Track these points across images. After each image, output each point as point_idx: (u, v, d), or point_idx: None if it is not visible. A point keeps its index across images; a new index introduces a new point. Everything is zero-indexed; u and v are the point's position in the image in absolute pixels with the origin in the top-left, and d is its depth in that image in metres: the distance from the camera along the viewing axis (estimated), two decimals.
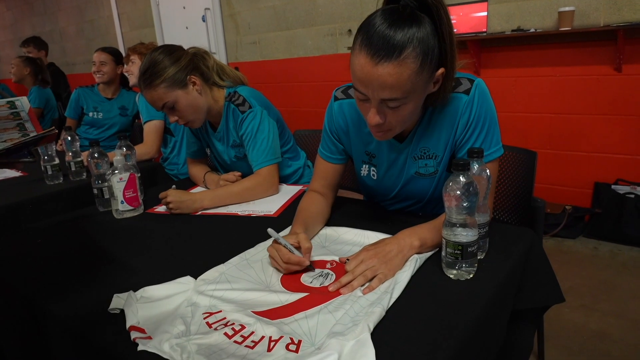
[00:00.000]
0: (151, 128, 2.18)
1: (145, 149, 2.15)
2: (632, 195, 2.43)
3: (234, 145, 1.56)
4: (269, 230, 0.95)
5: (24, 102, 1.19)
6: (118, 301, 0.80)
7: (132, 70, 2.37)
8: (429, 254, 0.92)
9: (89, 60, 5.90)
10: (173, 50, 1.41)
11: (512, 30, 2.64)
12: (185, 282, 0.86)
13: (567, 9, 2.41)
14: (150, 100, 1.39)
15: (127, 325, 0.73)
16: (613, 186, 2.54)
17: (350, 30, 3.38)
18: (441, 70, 0.90)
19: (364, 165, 1.18)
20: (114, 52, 2.69)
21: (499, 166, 1.28)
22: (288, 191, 1.47)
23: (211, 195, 1.36)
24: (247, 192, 1.40)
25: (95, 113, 2.74)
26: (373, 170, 1.17)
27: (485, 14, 2.69)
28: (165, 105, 1.38)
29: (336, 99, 1.16)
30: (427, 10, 0.85)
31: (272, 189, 1.44)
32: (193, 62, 1.43)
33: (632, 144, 2.51)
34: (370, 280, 0.83)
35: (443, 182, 1.07)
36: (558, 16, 2.46)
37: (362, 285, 0.82)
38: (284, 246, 0.89)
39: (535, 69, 2.70)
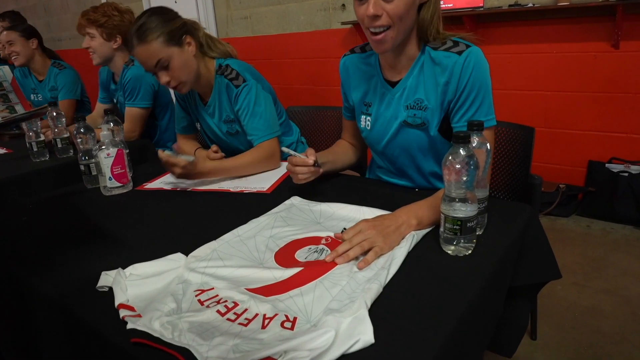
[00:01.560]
0: (133, 114, 1.98)
1: (127, 134, 1.93)
2: (626, 174, 2.43)
3: (227, 120, 1.52)
4: (283, 148, 1.14)
5: (6, 72, 1.14)
6: (106, 279, 0.77)
7: (94, 46, 1.95)
8: (427, 230, 0.90)
9: (75, 35, 5.73)
10: (167, 11, 1.36)
11: (510, 5, 2.58)
12: (175, 259, 0.83)
13: None
14: (144, 57, 1.32)
15: (116, 303, 0.70)
16: (607, 164, 2.54)
17: (344, 5, 3.30)
18: None
19: (362, 117, 1.23)
20: (19, 27, 2.35)
21: (495, 139, 1.29)
22: (281, 167, 1.43)
23: (217, 166, 1.35)
24: (251, 166, 1.39)
25: (35, 96, 2.50)
26: (368, 120, 1.21)
27: None
28: (159, 62, 1.32)
29: (343, 56, 1.27)
30: None
31: (274, 162, 1.43)
32: (187, 26, 1.39)
33: (627, 122, 2.50)
34: (367, 252, 0.81)
35: (432, 138, 1.11)
36: None
37: (357, 259, 0.80)
38: (291, 154, 1.08)
39: (532, 46, 2.66)
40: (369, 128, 1.22)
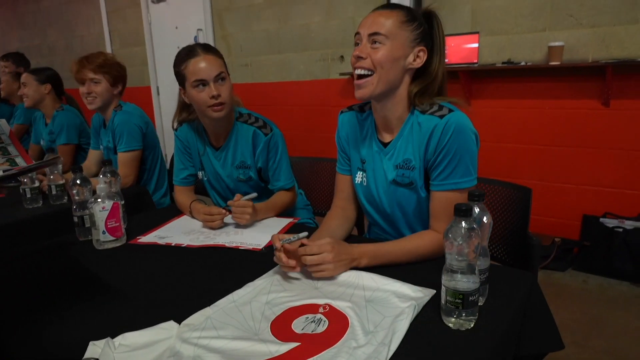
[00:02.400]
0: (126, 158, 1.96)
1: (123, 180, 1.88)
2: (621, 229, 2.43)
3: (241, 166, 1.54)
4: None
5: (3, 125, 1.13)
6: (94, 350, 0.74)
7: (99, 92, 1.95)
8: (427, 299, 0.88)
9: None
10: None
11: (503, 63, 2.68)
12: (168, 328, 0.80)
13: (556, 44, 2.46)
14: (209, 65, 1.40)
15: None
16: (601, 219, 2.55)
17: (342, 57, 3.40)
18: (422, 47, 1.08)
19: (358, 172, 1.27)
20: (37, 71, 2.43)
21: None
22: (278, 224, 1.42)
23: (264, 207, 1.45)
24: (289, 205, 1.56)
25: (43, 140, 2.52)
26: (364, 176, 1.25)
27: (476, 45, 2.73)
28: (220, 74, 1.41)
29: (342, 112, 1.32)
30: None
31: (294, 204, 1.63)
32: None
33: (619, 178, 2.54)
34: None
35: (422, 198, 1.16)
36: (548, 50, 2.50)
37: (355, 333, 0.78)
38: (290, 240, 1.02)
39: (525, 101, 2.73)
40: (365, 184, 1.26)
